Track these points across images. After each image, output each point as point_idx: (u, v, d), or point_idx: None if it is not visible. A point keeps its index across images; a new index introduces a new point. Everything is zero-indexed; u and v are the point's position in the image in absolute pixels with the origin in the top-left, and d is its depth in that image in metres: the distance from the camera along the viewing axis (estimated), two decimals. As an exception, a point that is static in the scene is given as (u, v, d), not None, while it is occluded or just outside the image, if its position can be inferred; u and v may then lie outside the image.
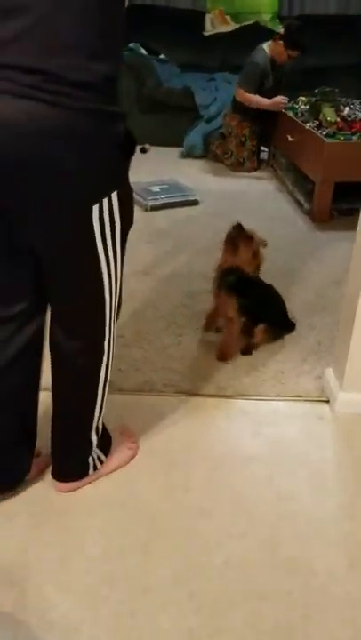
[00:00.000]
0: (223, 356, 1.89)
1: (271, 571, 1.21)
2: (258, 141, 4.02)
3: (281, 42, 3.68)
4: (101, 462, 1.39)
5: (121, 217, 1.04)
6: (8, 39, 0.82)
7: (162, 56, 4.62)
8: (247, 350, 1.94)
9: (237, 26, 1.27)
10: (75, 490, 1.37)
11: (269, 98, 3.80)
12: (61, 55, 0.84)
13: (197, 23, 4.98)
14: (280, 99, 3.75)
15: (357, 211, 1.55)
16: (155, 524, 1.30)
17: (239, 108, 3.90)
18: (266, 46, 3.78)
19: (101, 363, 1.24)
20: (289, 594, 1.16)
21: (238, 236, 1.81)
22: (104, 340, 1.21)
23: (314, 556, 1.24)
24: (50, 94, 0.84)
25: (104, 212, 1.00)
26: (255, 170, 4.02)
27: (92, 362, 1.23)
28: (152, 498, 1.37)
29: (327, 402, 1.71)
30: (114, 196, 1.00)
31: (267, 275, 2.47)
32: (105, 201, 0.99)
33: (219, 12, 1.29)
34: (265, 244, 1.86)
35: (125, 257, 1.17)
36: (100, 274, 1.10)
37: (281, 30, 1.46)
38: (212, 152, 4.14)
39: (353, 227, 1.58)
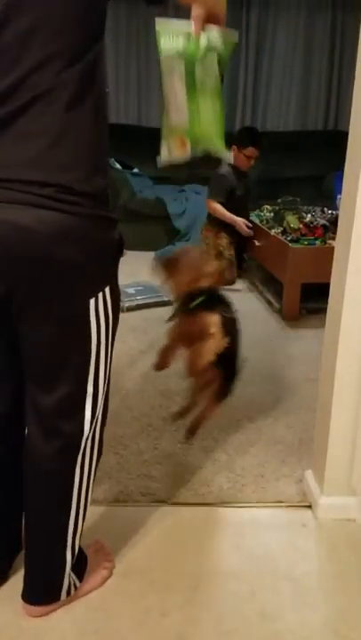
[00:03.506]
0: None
1: None
2: (237, 251, 4.03)
3: (235, 147, 3.85)
4: (75, 587, 1.30)
5: (113, 312, 1.14)
6: (27, 159, 0.97)
7: (135, 170, 4.95)
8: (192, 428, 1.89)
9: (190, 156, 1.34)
10: (46, 614, 1.27)
11: (242, 206, 3.95)
12: (69, 171, 0.99)
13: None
14: (241, 222, 3.84)
15: (325, 310, 1.60)
16: (131, 656, 1.20)
17: (214, 219, 3.99)
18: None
19: (75, 464, 1.18)
20: None
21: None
22: (82, 438, 1.17)
23: None
24: (61, 203, 0.98)
25: (99, 306, 1.11)
26: (233, 282, 3.89)
27: (64, 462, 1.18)
28: (127, 623, 1.27)
29: (309, 507, 1.67)
30: (107, 290, 1.12)
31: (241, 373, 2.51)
32: (100, 295, 1.10)
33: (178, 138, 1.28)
34: None
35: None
36: (88, 367, 1.13)
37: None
38: None
39: (322, 325, 1.62)
